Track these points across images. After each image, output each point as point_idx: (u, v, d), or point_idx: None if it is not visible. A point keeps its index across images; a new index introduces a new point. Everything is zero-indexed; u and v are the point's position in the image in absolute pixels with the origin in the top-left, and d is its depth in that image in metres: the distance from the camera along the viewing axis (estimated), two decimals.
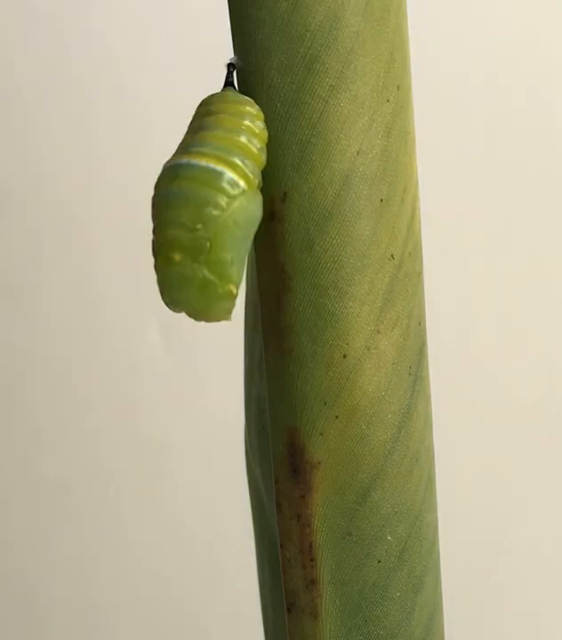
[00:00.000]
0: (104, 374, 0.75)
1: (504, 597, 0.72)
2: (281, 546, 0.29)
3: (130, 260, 0.73)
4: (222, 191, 0.24)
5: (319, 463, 0.28)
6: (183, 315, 0.26)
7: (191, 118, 0.26)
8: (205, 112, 0.26)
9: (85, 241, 0.74)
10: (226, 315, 0.25)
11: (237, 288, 0.25)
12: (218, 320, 0.25)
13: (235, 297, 0.25)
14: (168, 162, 0.25)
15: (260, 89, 0.26)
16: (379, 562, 0.28)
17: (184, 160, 0.25)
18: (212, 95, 0.26)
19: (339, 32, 0.25)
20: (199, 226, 0.24)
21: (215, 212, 0.24)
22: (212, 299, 0.25)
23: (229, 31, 0.26)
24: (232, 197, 0.25)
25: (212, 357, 0.72)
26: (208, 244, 0.24)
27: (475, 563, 0.71)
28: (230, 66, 0.26)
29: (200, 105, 0.26)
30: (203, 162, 0.24)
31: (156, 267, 0.25)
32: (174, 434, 0.75)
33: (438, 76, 0.65)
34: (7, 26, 0.71)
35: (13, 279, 0.75)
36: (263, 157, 0.26)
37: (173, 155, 0.25)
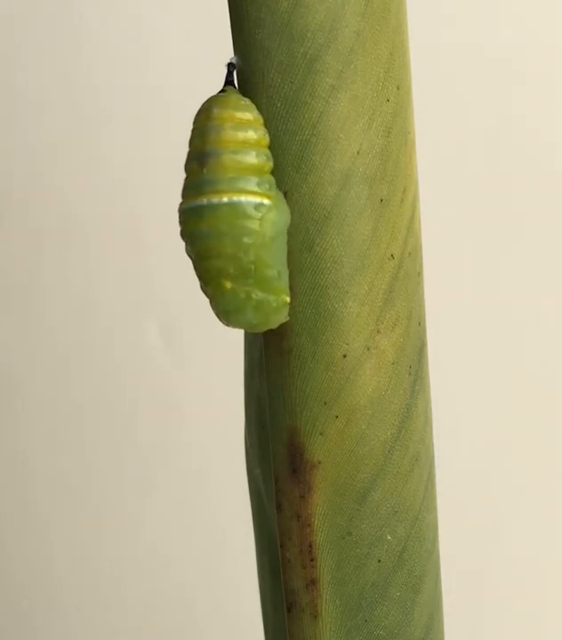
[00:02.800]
0: (104, 374, 0.75)
1: (504, 597, 0.72)
2: (281, 546, 0.29)
3: (130, 261, 0.73)
4: (251, 217, 0.25)
5: (319, 463, 0.28)
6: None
7: (192, 129, 0.26)
8: (206, 124, 0.25)
9: (86, 241, 0.74)
10: (283, 320, 0.27)
11: (289, 295, 0.26)
12: (276, 326, 0.27)
13: (288, 304, 0.26)
14: (185, 204, 0.25)
15: (261, 89, 0.26)
16: (379, 562, 0.28)
17: (204, 201, 0.25)
18: (212, 99, 0.26)
19: (339, 32, 0.25)
20: (240, 254, 0.25)
21: (251, 240, 0.25)
22: (270, 313, 0.26)
23: (229, 31, 0.26)
24: (262, 219, 0.25)
25: (212, 357, 0.72)
26: (253, 267, 0.25)
27: (475, 563, 0.71)
28: (230, 65, 0.26)
29: (199, 112, 0.26)
30: (224, 198, 0.25)
31: (207, 294, 0.26)
32: (174, 434, 0.75)
33: (438, 76, 0.65)
34: (8, 26, 0.71)
35: (13, 279, 0.75)
36: (271, 163, 0.26)
37: (186, 194, 0.25)
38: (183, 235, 0.26)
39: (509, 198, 0.67)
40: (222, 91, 0.26)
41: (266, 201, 0.25)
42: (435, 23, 0.65)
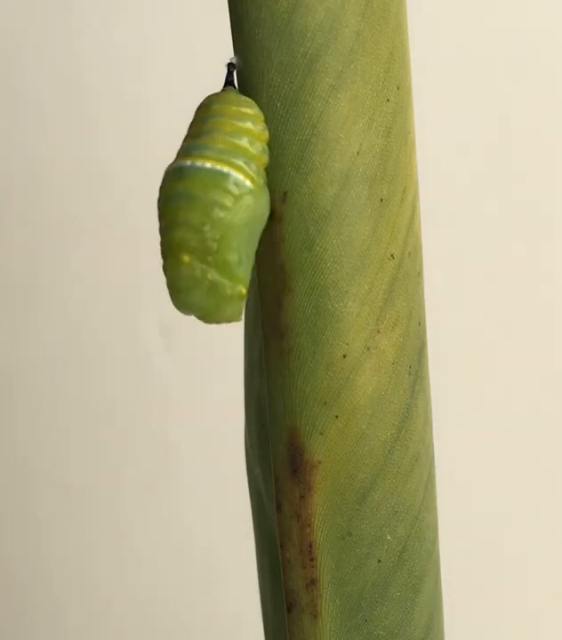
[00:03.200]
0: (104, 374, 0.75)
1: (504, 597, 0.72)
2: (281, 546, 0.29)
3: (130, 261, 0.73)
4: (228, 192, 0.25)
5: (319, 463, 0.28)
6: (183, 315, 0.26)
7: (191, 120, 0.26)
8: (205, 114, 0.26)
9: (85, 241, 0.74)
10: (236, 316, 0.25)
11: (246, 288, 0.25)
12: (228, 321, 0.25)
13: (244, 297, 0.25)
14: (171, 165, 0.25)
15: (261, 88, 0.26)
16: (379, 562, 0.28)
17: (188, 163, 0.25)
18: (212, 96, 0.26)
19: (339, 32, 0.25)
20: (206, 227, 0.24)
21: (221, 214, 0.24)
22: (222, 300, 0.25)
23: (229, 31, 0.26)
24: (238, 198, 0.25)
25: (212, 357, 0.72)
26: (215, 245, 0.24)
27: (475, 563, 0.71)
28: (230, 65, 0.26)
29: (200, 106, 0.26)
30: (207, 164, 0.25)
31: (164, 268, 0.25)
32: (174, 434, 0.75)
33: (438, 76, 0.65)
34: (9, 26, 0.71)
35: (13, 279, 0.75)
36: (266, 158, 0.26)
37: (175, 158, 0.25)
38: (159, 198, 0.25)
39: (510, 198, 0.67)
40: (222, 91, 0.26)
41: (248, 183, 0.25)
42: (435, 23, 0.65)
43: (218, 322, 0.25)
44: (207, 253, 0.24)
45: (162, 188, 0.25)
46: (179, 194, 0.25)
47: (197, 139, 0.25)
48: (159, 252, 0.26)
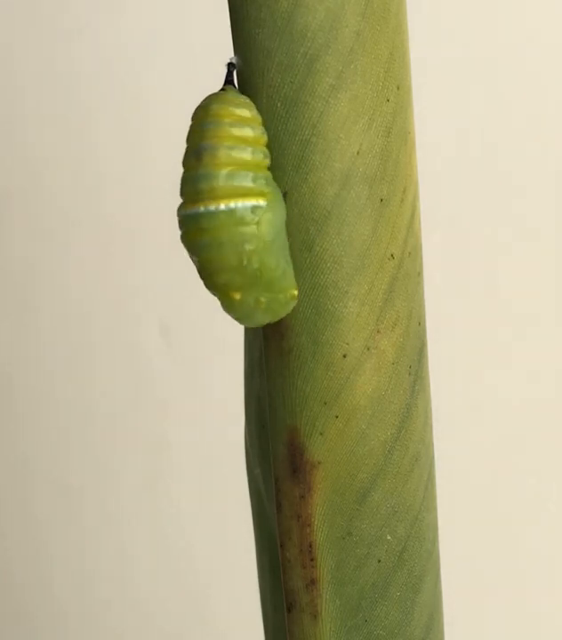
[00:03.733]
0: (104, 374, 0.75)
1: (504, 597, 0.72)
2: (281, 546, 0.29)
3: (130, 261, 0.73)
4: (249, 223, 0.25)
5: (319, 463, 0.28)
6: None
7: (190, 125, 0.26)
8: (204, 120, 0.25)
9: (86, 241, 0.74)
10: (291, 308, 0.27)
11: (296, 288, 0.26)
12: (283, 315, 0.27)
13: (296, 296, 0.26)
14: (183, 210, 0.26)
15: (261, 89, 0.26)
16: (379, 562, 0.28)
17: (201, 209, 0.25)
18: (211, 96, 0.26)
19: (339, 32, 0.25)
20: (244, 263, 0.25)
21: (252, 246, 0.25)
22: (280, 309, 0.26)
23: (229, 31, 0.26)
24: (259, 221, 0.25)
25: (212, 357, 0.72)
26: (259, 274, 0.26)
27: (475, 563, 0.71)
28: (230, 65, 0.26)
29: (197, 110, 0.26)
30: (221, 205, 0.25)
31: (221, 304, 0.26)
32: (174, 434, 0.75)
33: (439, 76, 0.65)
34: (8, 27, 0.71)
35: (13, 279, 0.75)
36: (268, 160, 0.26)
37: (185, 192, 0.26)
38: (184, 242, 0.26)
39: (510, 198, 0.67)
40: (222, 90, 0.26)
41: (261, 202, 0.25)
42: (435, 23, 0.65)
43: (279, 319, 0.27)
44: (254, 283, 0.26)
45: (184, 235, 0.26)
46: (206, 244, 0.25)
47: (200, 161, 0.25)
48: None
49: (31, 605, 0.79)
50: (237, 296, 0.26)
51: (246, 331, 0.33)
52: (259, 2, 0.25)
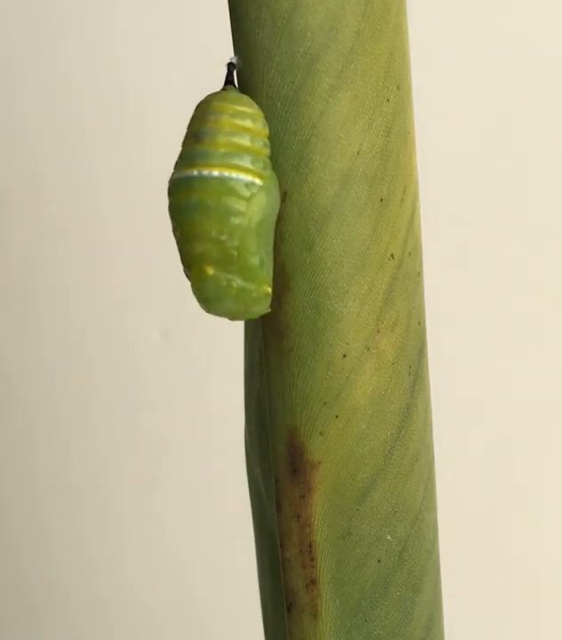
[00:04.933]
0: (104, 374, 0.75)
1: (504, 597, 0.72)
2: (281, 546, 0.29)
3: (130, 261, 0.73)
4: (240, 196, 0.25)
5: (319, 463, 0.28)
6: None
7: (191, 117, 0.26)
8: (205, 111, 0.26)
9: (86, 241, 0.74)
10: (265, 310, 0.26)
11: (270, 285, 0.26)
12: (257, 317, 0.26)
13: (270, 295, 0.26)
14: (177, 174, 0.25)
15: (261, 88, 0.26)
16: (379, 562, 0.28)
17: (195, 172, 0.25)
18: (211, 94, 0.26)
19: (339, 32, 0.25)
20: (224, 236, 0.25)
21: (237, 221, 0.25)
22: (250, 303, 0.26)
23: (229, 31, 0.26)
24: (250, 199, 0.25)
25: (212, 357, 0.72)
26: (236, 253, 0.25)
27: (475, 563, 0.71)
28: (230, 65, 0.26)
29: (199, 105, 0.26)
30: (215, 172, 0.25)
31: (188, 277, 0.26)
32: (174, 433, 0.75)
33: (438, 76, 0.65)
34: (8, 28, 0.71)
35: (14, 279, 0.75)
36: (268, 151, 0.26)
37: (179, 164, 0.25)
38: (171, 208, 0.25)
39: (510, 198, 0.67)
40: (222, 90, 0.26)
41: (257, 181, 0.25)
42: (435, 23, 0.65)
43: (248, 318, 0.26)
44: (229, 262, 0.25)
45: (171, 198, 0.25)
46: (192, 205, 0.25)
47: (199, 142, 0.25)
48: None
49: (30, 605, 0.79)
50: (210, 271, 0.25)
51: (246, 331, 0.33)
52: (259, 2, 0.25)
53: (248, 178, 0.25)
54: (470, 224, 0.68)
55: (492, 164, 0.67)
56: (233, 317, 0.26)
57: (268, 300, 0.26)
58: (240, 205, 0.25)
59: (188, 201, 0.25)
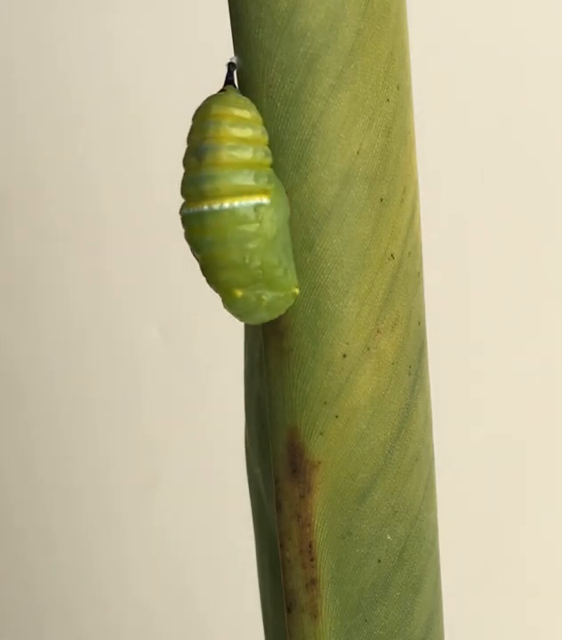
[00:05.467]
0: (104, 373, 0.75)
1: (504, 597, 0.72)
2: (281, 546, 0.29)
3: (130, 260, 0.73)
4: (251, 222, 0.25)
5: (319, 463, 0.28)
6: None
7: (191, 125, 0.26)
8: (204, 120, 0.25)
9: (86, 241, 0.74)
10: (290, 305, 0.27)
11: (297, 285, 0.27)
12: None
13: (297, 294, 0.27)
14: (186, 209, 0.26)
15: (261, 88, 0.26)
16: (379, 562, 0.28)
17: (205, 208, 0.25)
18: (211, 97, 0.26)
19: (339, 31, 0.25)
20: (246, 261, 0.26)
21: (254, 244, 0.25)
22: (281, 306, 0.27)
23: (229, 31, 0.26)
24: (261, 219, 0.25)
25: (212, 357, 0.72)
26: (260, 272, 0.26)
27: (475, 563, 0.71)
28: (230, 65, 0.26)
29: (198, 110, 0.26)
30: (225, 204, 0.25)
31: (222, 301, 0.27)
32: (174, 433, 0.75)
33: (438, 76, 0.65)
34: (7, 29, 0.71)
35: (15, 279, 0.75)
36: (270, 158, 0.26)
37: (187, 193, 0.26)
38: (188, 240, 0.26)
39: (510, 197, 0.67)
40: (222, 90, 0.26)
41: (265, 199, 0.25)
42: (435, 23, 0.65)
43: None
44: (256, 281, 0.26)
45: (187, 232, 0.26)
46: (209, 242, 0.25)
47: (202, 163, 0.25)
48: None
49: (30, 605, 0.79)
50: (239, 293, 0.26)
51: (246, 331, 0.33)
52: (259, 2, 0.25)
53: (255, 200, 0.25)
54: (470, 224, 0.68)
55: (492, 164, 0.67)
56: (268, 320, 0.27)
57: (296, 297, 0.27)
58: (253, 229, 0.25)
59: (203, 236, 0.26)
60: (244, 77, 0.26)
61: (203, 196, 0.25)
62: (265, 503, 0.32)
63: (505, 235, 0.68)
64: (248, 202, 0.25)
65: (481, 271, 0.69)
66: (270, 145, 0.26)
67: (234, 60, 0.26)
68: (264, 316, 0.27)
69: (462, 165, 0.67)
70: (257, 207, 0.25)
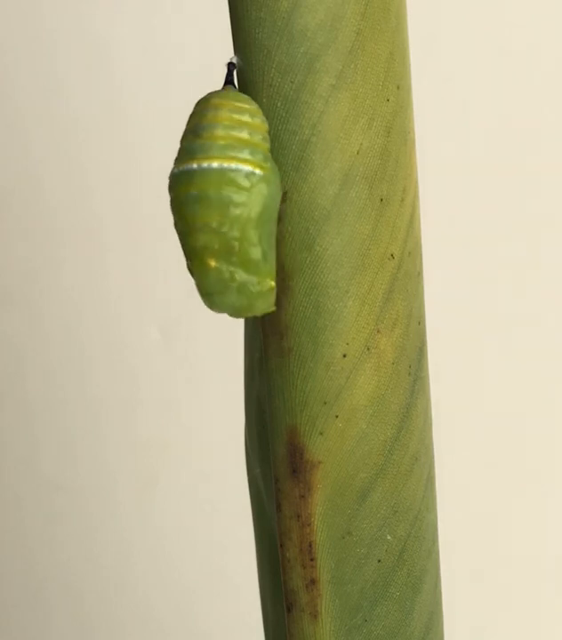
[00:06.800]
0: (104, 373, 0.75)
1: (504, 597, 0.72)
2: (281, 546, 0.29)
3: (130, 261, 0.73)
4: (241, 187, 0.25)
5: (319, 463, 0.28)
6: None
7: (190, 115, 0.26)
8: (204, 107, 0.26)
9: (85, 241, 0.74)
10: (270, 308, 0.26)
11: (274, 279, 0.26)
12: (262, 314, 0.26)
13: (274, 289, 0.26)
14: (177, 168, 0.25)
15: (261, 88, 0.26)
16: (379, 561, 0.28)
17: (194, 165, 0.25)
18: (210, 93, 0.26)
19: (339, 31, 0.25)
20: (225, 228, 0.25)
21: (238, 211, 0.25)
22: (252, 297, 0.25)
23: (229, 31, 0.26)
24: (251, 189, 0.25)
25: (212, 357, 0.72)
26: (237, 245, 0.25)
27: (475, 563, 0.71)
28: (231, 65, 0.26)
29: (198, 102, 0.26)
30: (215, 163, 0.25)
31: (191, 271, 0.26)
32: (174, 433, 0.75)
33: (438, 76, 0.65)
34: (7, 30, 0.71)
35: (14, 281, 0.75)
36: (267, 145, 0.26)
37: (179, 159, 0.25)
38: (172, 202, 0.26)
39: (510, 198, 0.67)
40: (222, 90, 0.26)
41: (258, 171, 0.25)
42: (435, 23, 0.65)
43: (251, 315, 0.26)
44: (231, 254, 0.25)
45: (173, 193, 0.25)
46: (192, 197, 0.25)
47: (198, 136, 0.25)
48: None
49: (29, 604, 0.79)
50: (213, 262, 0.25)
51: (246, 331, 0.33)
52: (259, 1, 0.25)
53: (248, 168, 0.25)
54: (470, 224, 0.68)
55: (492, 164, 0.67)
56: (237, 313, 0.26)
57: (273, 296, 0.26)
58: (240, 196, 0.25)
59: (188, 193, 0.25)
60: (244, 77, 0.26)
61: (193, 158, 0.25)
62: (265, 503, 0.32)
63: (505, 234, 0.68)
64: (239, 166, 0.25)
65: (481, 271, 0.69)
66: (271, 145, 0.26)
67: (234, 60, 0.26)
68: (234, 301, 0.25)
69: (463, 165, 0.67)
70: (248, 175, 0.25)
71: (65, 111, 0.72)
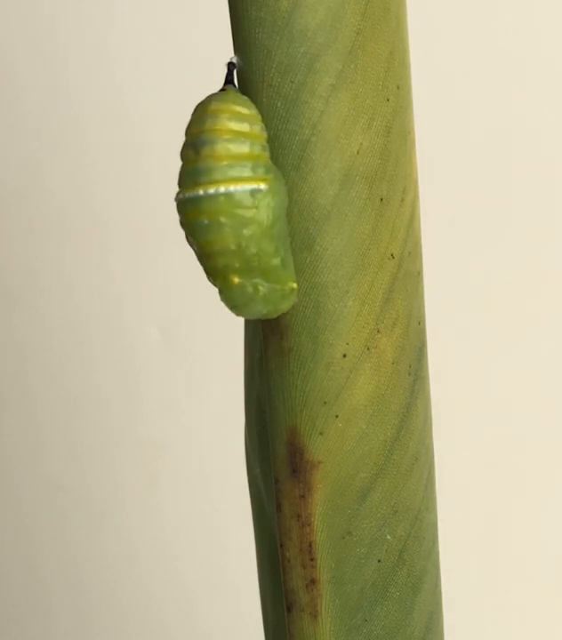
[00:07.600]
0: (104, 373, 0.75)
1: (504, 597, 0.72)
2: (281, 545, 0.29)
3: (130, 261, 0.73)
4: (248, 207, 0.25)
5: (319, 463, 0.28)
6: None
7: (190, 120, 0.26)
8: (202, 114, 0.26)
9: (86, 240, 0.74)
10: (292, 303, 0.27)
11: (295, 280, 0.26)
12: (287, 310, 0.27)
13: (296, 290, 0.26)
14: (182, 194, 0.26)
15: (261, 88, 0.26)
16: (379, 561, 0.28)
17: (200, 192, 0.25)
18: (211, 95, 0.26)
19: (339, 31, 0.25)
20: (242, 247, 0.25)
21: (250, 230, 0.25)
22: (278, 302, 0.26)
23: (229, 31, 0.26)
24: (258, 206, 0.25)
25: (212, 357, 0.72)
26: (256, 259, 0.25)
27: (475, 562, 0.71)
28: (231, 65, 0.26)
29: (197, 106, 0.26)
30: (221, 188, 0.25)
31: (216, 288, 0.26)
32: (174, 433, 0.75)
33: (438, 76, 0.65)
34: (7, 30, 0.71)
35: (15, 279, 0.75)
36: (268, 153, 0.26)
37: (183, 182, 0.26)
38: (183, 225, 0.26)
39: (510, 198, 0.67)
40: (222, 90, 0.26)
41: (262, 186, 0.25)
42: (435, 23, 0.65)
43: (278, 314, 0.27)
44: (252, 268, 0.25)
45: (182, 216, 0.26)
46: (204, 226, 0.25)
47: (199, 155, 0.25)
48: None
49: (29, 605, 0.79)
50: (236, 280, 0.26)
51: (246, 331, 0.33)
52: (259, 2, 0.25)
53: (252, 186, 0.25)
54: (470, 224, 0.68)
55: (492, 164, 0.67)
56: (264, 317, 0.27)
57: (295, 295, 0.26)
58: (250, 214, 0.25)
59: (198, 220, 0.25)
60: (244, 77, 0.26)
61: (198, 183, 0.25)
62: (265, 503, 0.32)
63: (505, 234, 0.68)
64: (244, 187, 0.25)
65: (481, 271, 0.69)
66: (270, 145, 0.26)
67: (234, 60, 0.26)
68: (261, 309, 0.26)
69: (463, 165, 0.67)
70: (254, 192, 0.25)
71: (66, 111, 0.72)
